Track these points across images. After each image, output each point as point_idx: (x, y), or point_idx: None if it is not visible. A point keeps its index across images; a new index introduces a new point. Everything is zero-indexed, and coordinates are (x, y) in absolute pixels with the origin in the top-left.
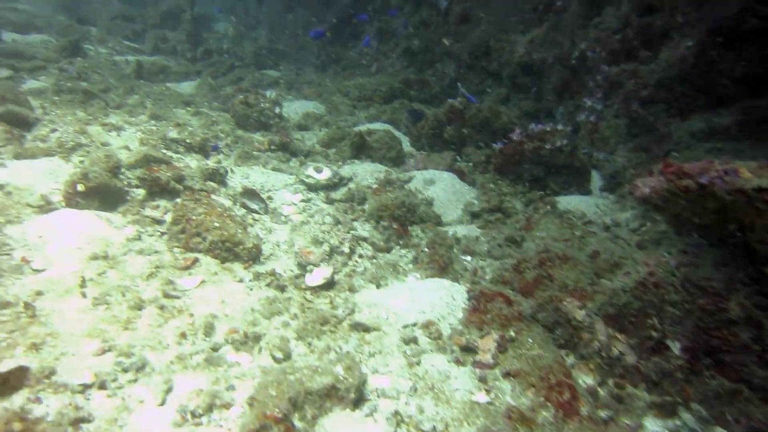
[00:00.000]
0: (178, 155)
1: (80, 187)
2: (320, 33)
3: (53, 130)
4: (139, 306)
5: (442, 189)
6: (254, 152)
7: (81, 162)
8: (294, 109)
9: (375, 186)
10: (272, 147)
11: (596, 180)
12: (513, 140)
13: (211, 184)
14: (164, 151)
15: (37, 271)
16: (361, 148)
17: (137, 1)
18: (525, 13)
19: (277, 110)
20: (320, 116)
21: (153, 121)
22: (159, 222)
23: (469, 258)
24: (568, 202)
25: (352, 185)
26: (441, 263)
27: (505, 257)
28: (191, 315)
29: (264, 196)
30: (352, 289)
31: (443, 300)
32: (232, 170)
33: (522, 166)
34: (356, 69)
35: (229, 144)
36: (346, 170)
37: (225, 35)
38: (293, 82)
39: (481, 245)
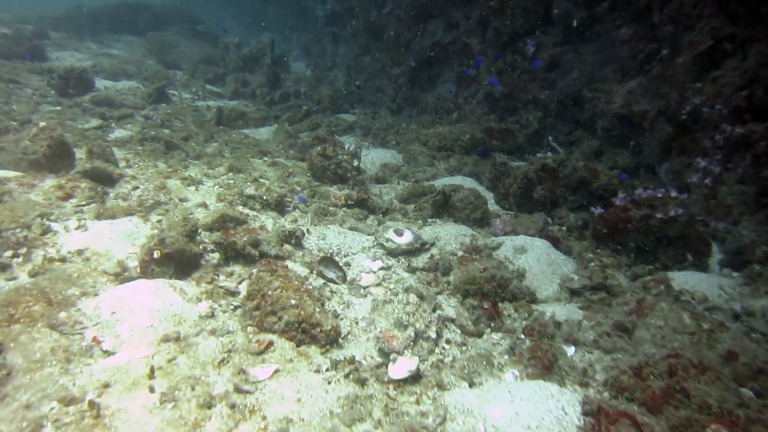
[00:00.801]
0: (255, 212)
1: (156, 254)
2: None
3: (135, 188)
4: (209, 404)
5: (535, 259)
6: (331, 207)
7: (159, 222)
8: (371, 158)
9: (460, 253)
10: (349, 202)
11: (714, 254)
12: (616, 205)
13: (288, 247)
14: (241, 208)
15: (107, 353)
16: (444, 207)
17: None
18: (623, 61)
19: (355, 163)
20: (398, 167)
21: (230, 174)
22: (233, 293)
23: (573, 349)
24: (684, 280)
25: (435, 251)
26: (544, 361)
27: (617, 350)
28: (264, 418)
29: (341, 261)
30: (441, 386)
31: (552, 414)
32: (308, 230)
33: (627, 235)
34: (433, 114)
35: (305, 197)
36: (428, 232)
37: (302, 78)
38: (369, 128)
39: (586, 333)
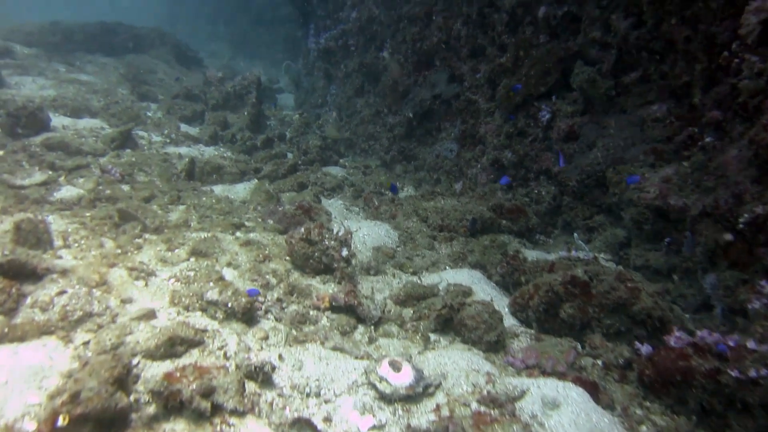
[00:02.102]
0: (215, 325)
1: (62, 420)
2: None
3: (61, 292)
4: None
5: (571, 420)
6: (311, 311)
7: (85, 346)
8: (362, 236)
9: (475, 405)
10: (334, 303)
11: None
12: (670, 347)
13: (252, 388)
14: (199, 316)
15: None
16: (450, 322)
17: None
18: (656, 141)
19: (344, 253)
20: (393, 251)
21: (193, 260)
22: None
23: None
24: None
25: (441, 397)
26: None
27: None
28: None
29: (321, 412)
30: None
31: None
32: (280, 356)
33: (687, 391)
34: (432, 172)
35: (282, 296)
36: (431, 362)
37: (289, 120)
38: (360, 187)
39: None
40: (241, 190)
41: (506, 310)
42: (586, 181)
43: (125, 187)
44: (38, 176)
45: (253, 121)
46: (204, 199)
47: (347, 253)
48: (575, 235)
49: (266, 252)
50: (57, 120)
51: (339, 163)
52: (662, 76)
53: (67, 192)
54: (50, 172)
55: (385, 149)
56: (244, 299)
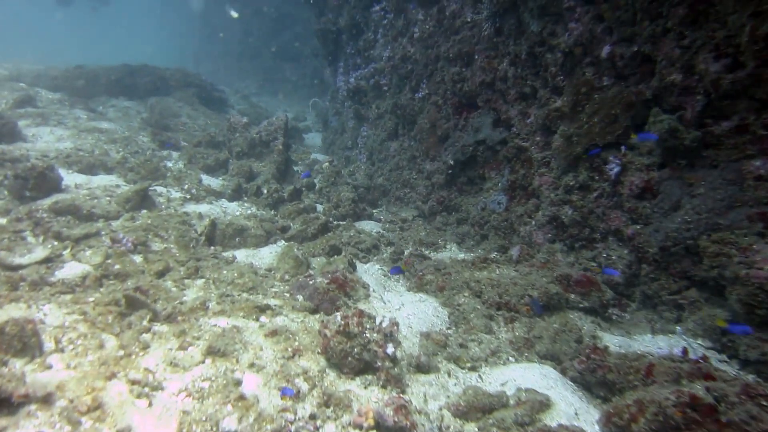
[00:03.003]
0: None
1: None
2: None
3: None
4: None
5: None
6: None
7: None
8: (405, 316)
9: None
10: (379, 421)
11: None
12: None
13: None
14: None
15: None
16: None
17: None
18: (763, 204)
19: (390, 350)
20: (444, 337)
21: (209, 362)
22: None
23: None
24: None
25: None
26: None
27: None
28: None
29: None
30: None
31: None
32: None
33: None
34: (477, 227)
35: (315, 410)
36: None
37: (317, 168)
38: (400, 248)
39: None
40: (267, 256)
41: (597, 429)
42: (672, 249)
43: (138, 258)
44: (40, 252)
45: (280, 170)
46: (225, 272)
47: (393, 350)
48: (678, 329)
49: (296, 344)
50: (69, 178)
51: (373, 216)
52: (764, 125)
53: (70, 270)
54: (55, 243)
55: (423, 198)
56: (269, 427)
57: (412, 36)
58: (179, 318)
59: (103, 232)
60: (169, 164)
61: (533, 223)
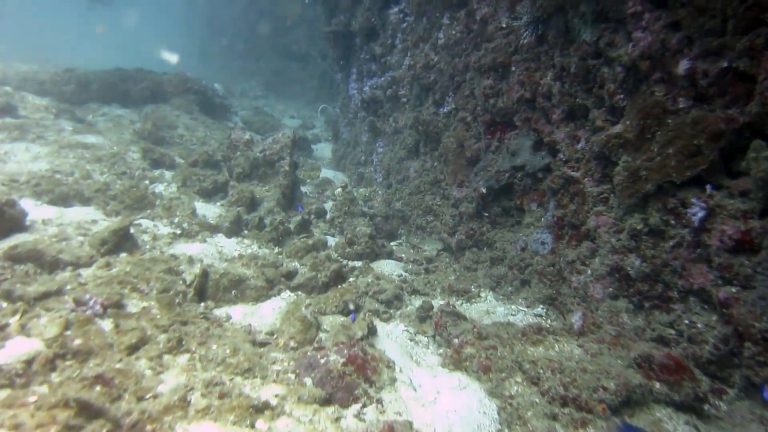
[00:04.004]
0: None
1: None
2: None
3: None
4: None
5: None
6: None
7: None
8: (444, 413)
9: None
10: None
11: None
12: None
13: None
14: None
15: None
16: None
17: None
18: None
19: None
20: None
21: None
22: None
23: None
24: None
25: None
26: None
27: None
28: None
29: None
30: None
31: None
32: None
33: None
34: (516, 270)
35: None
36: None
37: (330, 194)
38: (428, 303)
39: None
40: (269, 313)
41: None
42: None
43: (108, 325)
44: None
45: (286, 196)
46: (215, 347)
47: None
48: None
49: None
50: (37, 212)
51: (393, 253)
52: None
53: (14, 349)
54: (3, 306)
55: (449, 230)
56: None
57: (435, 42)
58: (147, 428)
59: (68, 287)
60: (161, 188)
61: (589, 272)
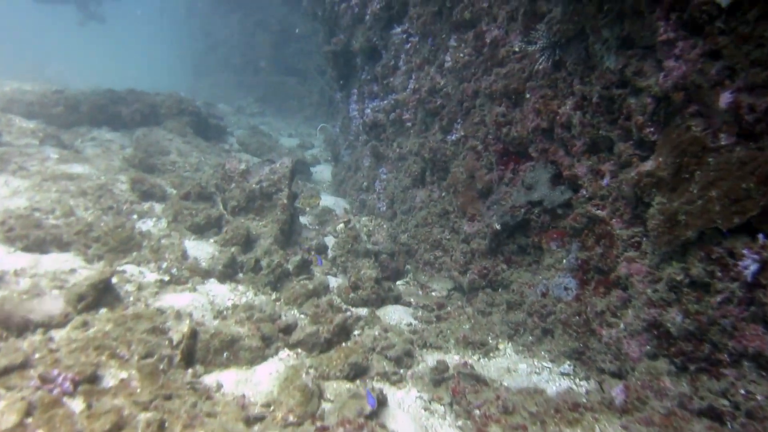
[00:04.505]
0: None
1: None
2: None
3: None
4: None
5: None
6: None
7: None
8: None
9: None
10: None
11: None
12: None
13: None
14: None
15: None
16: None
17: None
18: None
19: None
20: None
21: None
22: None
23: None
24: None
25: None
26: None
27: None
28: None
29: None
30: None
31: None
32: None
33: None
34: (536, 318)
35: None
36: None
37: (332, 230)
38: (441, 354)
39: None
40: (265, 380)
41: None
42: None
43: (79, 405)
44: None
45: (284, 232)
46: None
47: None
48: None
49: None
50: (10, 261)
51: (400, 297)
52: None
53: None
54: None
55: (460, 267)
56: None
57: (442, 65)
58: None
59: (36, 356)
60: (149, 223)
61: (622, 326)
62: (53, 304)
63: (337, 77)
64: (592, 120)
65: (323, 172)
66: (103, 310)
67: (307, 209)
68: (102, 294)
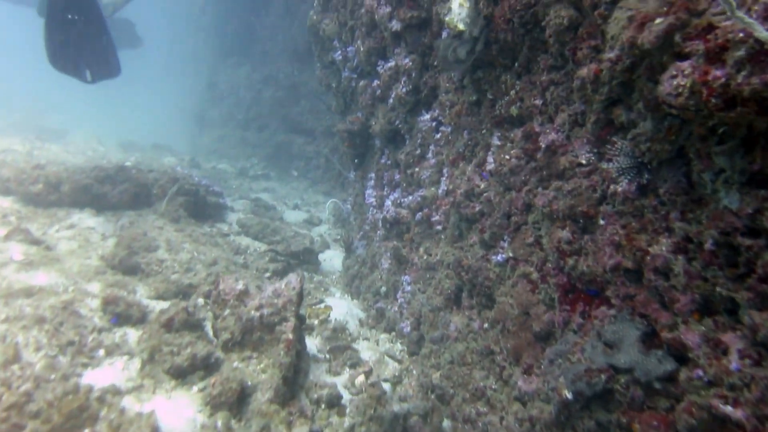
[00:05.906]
0: None
1: None
2: None
3: None
4: None
5: None
6: None
7: None
8: None
9: None
10: None
11: None
12: None
13: None
14: None
15: None
16: None
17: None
18: None
19: None
20: None
21: None
22: None
23: None
24: None
25: None
26: None
27: None
28: None
29: None
30: None
31: None
32: None
33: None
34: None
35: None
36: None
37: (350, 384)
38: None
39: None
40: None
41: None
42: None
43: None
44: None
45: (288, 381)
46: None
47: None
48: None
49: None
50: None
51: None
52: None
53: None
54: None
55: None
56: None
57: (481, 164)
58: None
59: None
60: (117, 368)
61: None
62: None
63: (351, 156)
64: (703, 271)
65: (332, 259)
66: None
67: (315, 323)
68: None
